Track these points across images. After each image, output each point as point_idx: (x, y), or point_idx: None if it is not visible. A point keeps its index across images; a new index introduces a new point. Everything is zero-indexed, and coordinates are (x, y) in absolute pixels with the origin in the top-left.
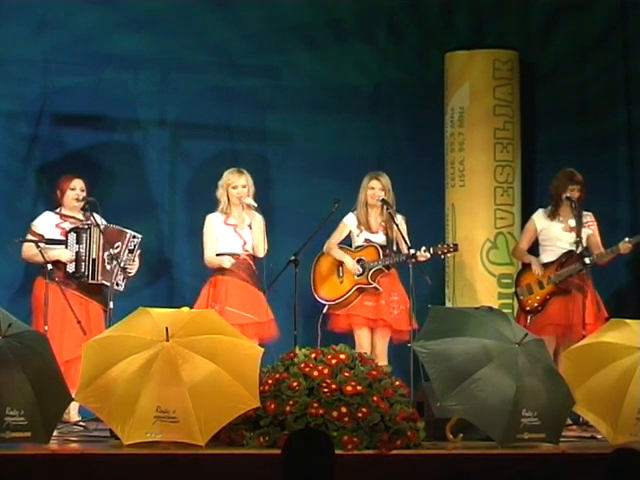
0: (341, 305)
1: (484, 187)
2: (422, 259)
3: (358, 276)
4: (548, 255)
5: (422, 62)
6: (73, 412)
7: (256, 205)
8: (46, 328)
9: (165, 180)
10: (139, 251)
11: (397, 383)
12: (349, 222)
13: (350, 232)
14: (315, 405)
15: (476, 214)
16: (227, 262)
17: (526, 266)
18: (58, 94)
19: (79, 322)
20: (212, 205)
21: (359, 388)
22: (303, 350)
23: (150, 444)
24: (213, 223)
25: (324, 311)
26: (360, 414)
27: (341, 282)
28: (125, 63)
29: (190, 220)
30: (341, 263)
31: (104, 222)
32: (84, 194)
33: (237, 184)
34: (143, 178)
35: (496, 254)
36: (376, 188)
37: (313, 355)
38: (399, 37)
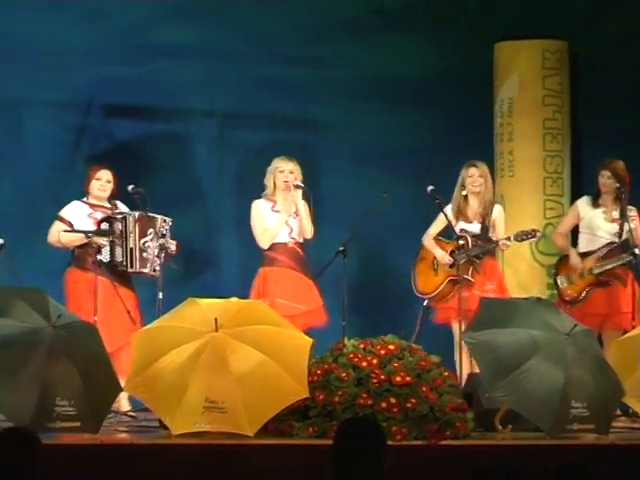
0: (438, 298)
1: (533, 177)
2: (505, 247)
3: (450, 267)
4: (586, 244)
5: (470, 52)
6: (123, 401)
7: (303, 186)
8: (95, 318)
9: (213, 170)
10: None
11: (446, 374)
12: (448, 212)
13: (449, 223)
14: (364, 396)
15: (525, 205)
16: (283, 216)
17: (566, 255)
18: (106, 85)
19: (128, 312)
20: (260, 195)
21: (408, 379)
22: (352, 341)
23: (199, 434)
24: (262, 210)
25: (424, 304)
26: (409, 405)
27: (436, 275)
28: (173, 53)
29: (238, 210)
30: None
31: (128, 211)
32: (110, 185)
33: (284, 169)
34: (191, 168)
35: (546, 245)
36: (475, 175)
37: (362, 346)
38: (447, 27)
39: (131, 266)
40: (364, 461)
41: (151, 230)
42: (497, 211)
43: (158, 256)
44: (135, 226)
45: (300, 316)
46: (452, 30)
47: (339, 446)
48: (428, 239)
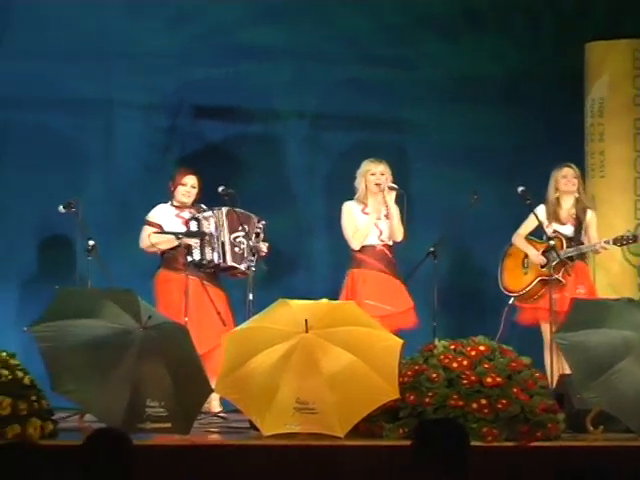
0: (526, 297)
1: (624, 178)
2: (602, 251)
3: (542, 267)
4: None
5: (560, 52)
6: (214, 403)
7: (397, 187)
8: (186, 319)
9: (303, 171)
10: (262, 236)
11: (537, 375)
12: (538, 213)
13: (540, 224)
14: (455, 397)
15: (616, 205)
16: (372, 217)
17: None
18: (196, 86)
19: (219, 313)
20: (351, 196)
21: (499, 380)
22: (442, 342)
23: (289, 435)
24: (352, 211)
25: (510, 302)
26: (500, 406)
27: (525, 274)
28: (262, 54)
29: (328, 211)
30: (527, 255)
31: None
32: (195, 191)
33: (375, 171)
34: (281, 169)
35: (637, 245)
36: (569, 175)
37: (452, 347)
38: (536, 27)
39: (224, 260)
40: (445, 462)
41: (243, 227)
42: (590, 215)
43: (252, 254)
44: (224, 221)
45: (389, 317)
46: (542, 30)
47: (419, 447)
48: (519, 238)
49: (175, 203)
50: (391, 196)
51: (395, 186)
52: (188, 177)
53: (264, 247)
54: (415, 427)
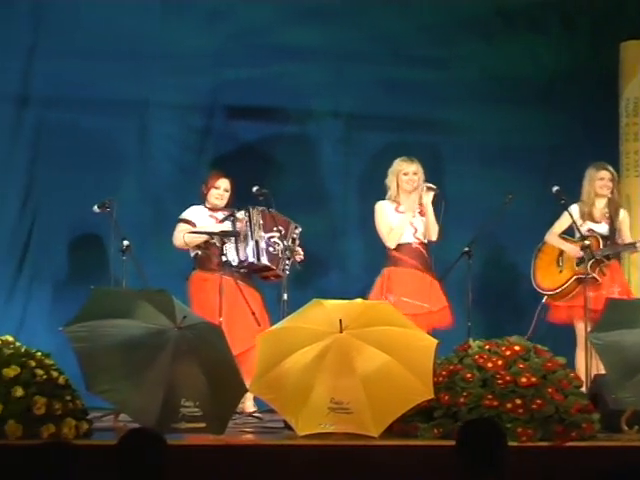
0: (560, 296)
1: None
2: None
3: (577, 265)
4: None
5: (595, 52)
6: (249, 403)
7: (436, 188)
8: (221, 320)
9: (338, 171)
10: (298, 242)
11: (572, 375)
12: (572, 212)
13: (573, 222)
14: (489, 397)
15: None
16: (408, 216)
17: None
18: (230, 86)
19: (253, 313)
20: (385, 196)
21: (534, 380)
22: (477, 342)
23: (324, 435)
24: (386, 210)
25: (543, 301)
26: (535, 406)
27: (560, 272)
28: (298, 55)
29: (363, 211)
30: (561, 253)
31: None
32: (228, 194)
33: (408, 170)
34: (316, 169)
35: None
36: (606, 178)
37: (487, 347)
38: (571, 26)
39: (258, 259)
40: (486, 462)
41: (278, 228)
42: (622, 215)
43: (287, 257)
44: (259, 220)
45: (424, 315)
46: (577, 30)
47: (461, 447)
48: (553, 236)
49: (208, 205)
50: (429, 196)
51: (434, 186)
52: (221, 180)
53: (299, 253)
54: (459, 428)
